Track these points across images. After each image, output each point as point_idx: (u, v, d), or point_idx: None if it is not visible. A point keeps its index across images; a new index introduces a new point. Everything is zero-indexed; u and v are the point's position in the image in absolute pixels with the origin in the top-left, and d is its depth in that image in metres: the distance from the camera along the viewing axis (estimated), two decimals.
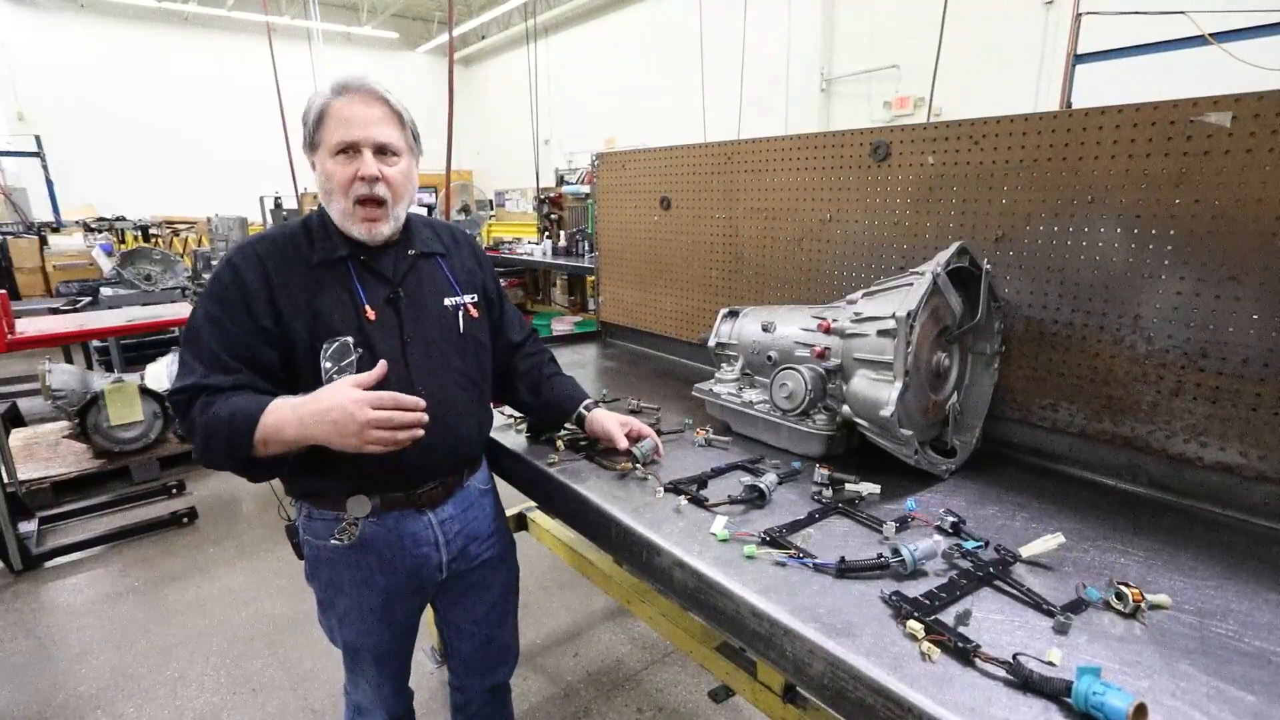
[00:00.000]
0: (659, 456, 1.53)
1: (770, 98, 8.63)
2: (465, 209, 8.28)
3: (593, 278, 4.72)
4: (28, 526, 3.49)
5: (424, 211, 7.38)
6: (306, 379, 1.27)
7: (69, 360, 4.93)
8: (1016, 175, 1.52)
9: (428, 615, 1.98)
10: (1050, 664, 0.85)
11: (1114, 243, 1.39)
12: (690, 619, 1.70)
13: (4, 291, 3.44)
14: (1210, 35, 4.21)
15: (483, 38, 14.51)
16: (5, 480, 3.29)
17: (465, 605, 1.59)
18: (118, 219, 8.36)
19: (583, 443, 1.63)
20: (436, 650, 2.58)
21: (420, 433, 1.23)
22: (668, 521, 1.27)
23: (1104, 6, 4.69)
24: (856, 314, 1.41)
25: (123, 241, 8.03)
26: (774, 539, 1.16)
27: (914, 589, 1.02)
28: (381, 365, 1.22)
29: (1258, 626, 0.96)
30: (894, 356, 1.30)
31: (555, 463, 1.55)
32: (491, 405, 1.60)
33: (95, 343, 5.39)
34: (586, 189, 7.08)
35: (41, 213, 9.71)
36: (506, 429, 1.77)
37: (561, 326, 7.17)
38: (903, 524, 1.22)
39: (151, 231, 8.41)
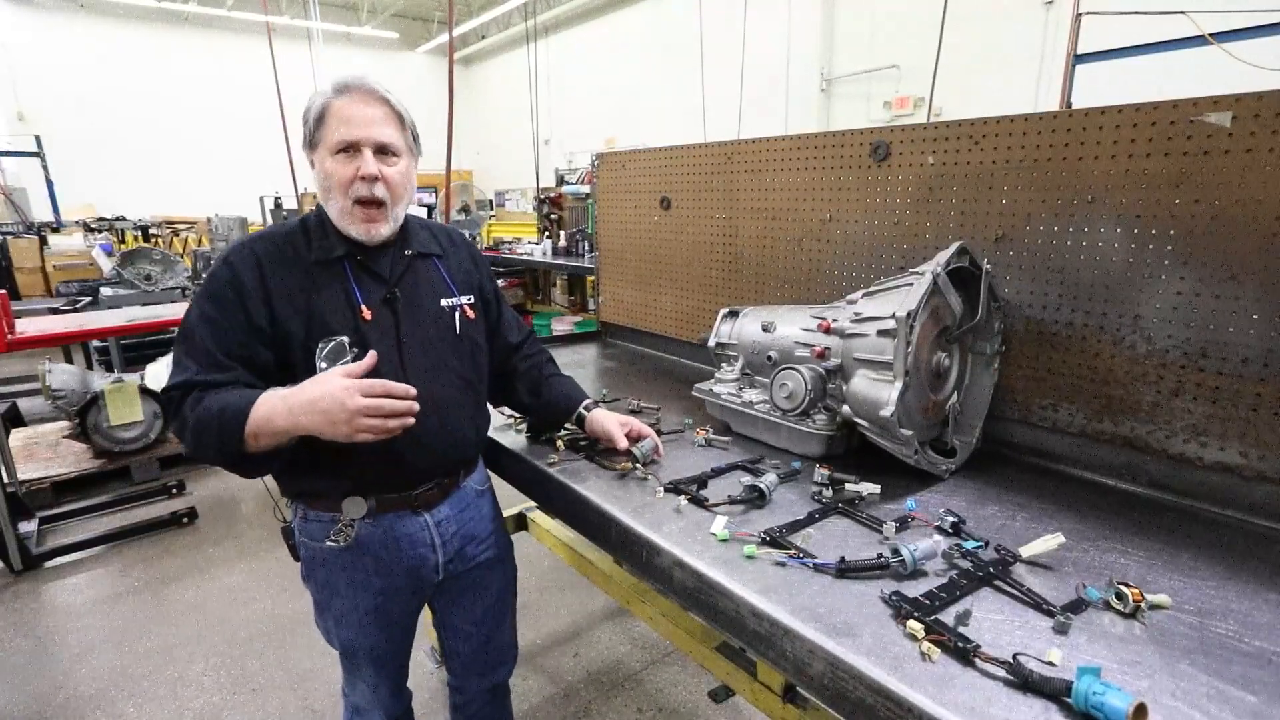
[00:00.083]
0: (659, 456, 1.53)
1: (770, 98, 8.63)
2: (465, 209, 8.28)
3: (593, 278, 4.72)
4: (28, 526, 3.49)
5: (424, 211, 7.39)
6: (302, 379, 1.26)
7: (69, 360, 4.93)
8: (1016, 175, 1.52)
9: (427, 616, 1.98)
10: (1050, 664, 0.85)
11: (1114, 243, 1.39)
12: (690, 619, 1.70)
13: (4, 291, 3.43)
14: (1210, 35, 4.21)
15: (483, 38, 14.52)
16: (5, 480, 3.29)
17: (463, 606, 1.59)
18: (118, 219, 8.36)
19: (583, 443, 1.63)
20: (436, 651, 2.58)
21: (411, 421, 1.22)
22: (668, 521, 1.26)
23: (1104, 6, 4.69)
24: (856, 314, 1.41)
25: (123, 241, 8.03)
26: (774, 539, 1.16)
27: (914, 589, 1.02)
28: (371, 355, 1.21)
29: (1258, 626, 0.95)
30: (894, 356, 1.30)
31: (555, 463, 1.55)
32: (489, 406, 1.60)
33: (95, 343, 5.39)
34: (586, 189, 7.07)
35: (41, 213, 9.71)
36: (506, 429, 1.77)
37: (561, 326, 7.17)
38: (903, 524, 1.22)
39: (151, 231, 8.41)
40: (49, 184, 9.65)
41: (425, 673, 2.54)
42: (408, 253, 1.40)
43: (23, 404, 4.90)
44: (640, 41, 11.02)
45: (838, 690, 0.89)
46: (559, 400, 1.63)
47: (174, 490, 4.04)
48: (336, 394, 1.14)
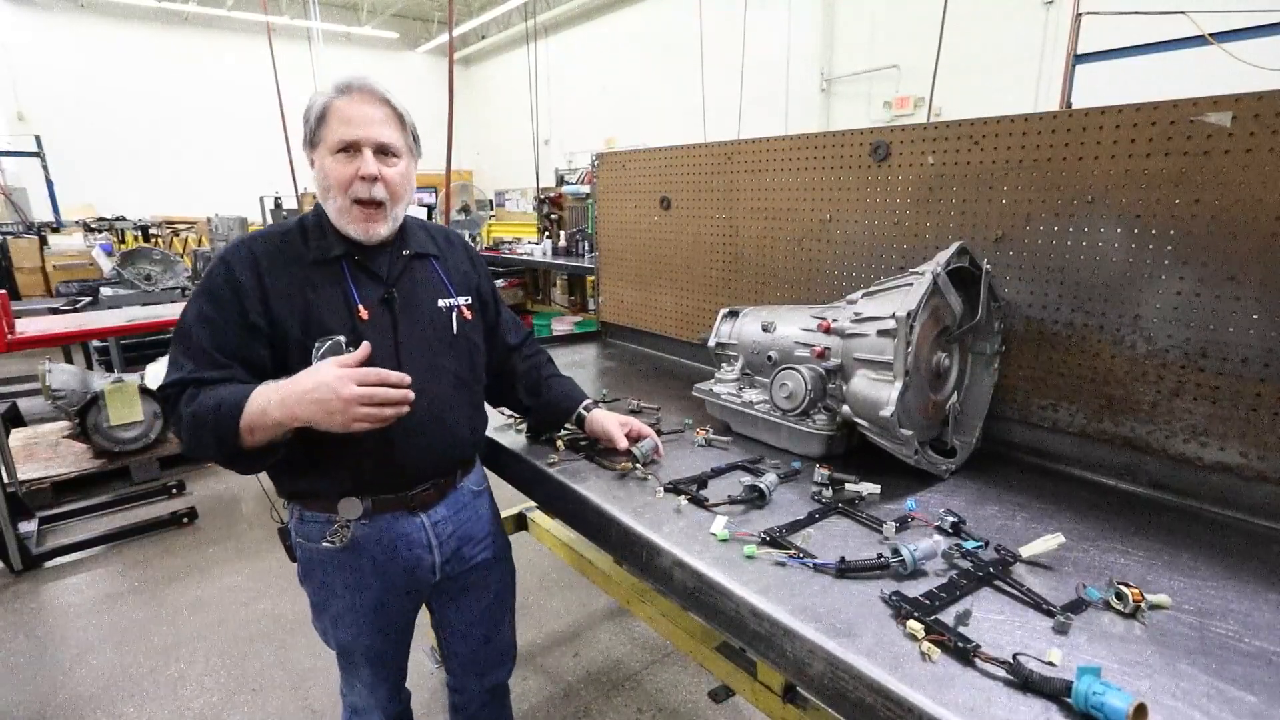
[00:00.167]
0: (659, 456, 1.53)
1: (770, 98, 8.63)
2: (465, 209, 8.28)
3: (593, 278, 4.72)
4: (28, 526, 3.49)
5: (423, 212, 7.40)
6: None
7: (69, 360, 4.93)
8: (1016, 175, 1.52)
9: (426, 616, 1.97)
10: (1050, 664, 0.85)
11: (1114, 243, 1.39)
12: (690, 619, 1.70)
13: (4, 291, 3.43)
14: (1210, 35, 4.21)
15: (483, 38, 14.52)
16: (5, 480, 3.29)
17: (461, 606, 1.58)
18: (118, 219, 8.36)
19: (582, 443, 1.63)
20: (435, 651, 2.58)
21: (406, 409, 1.22)
22: (668, 521, 1.26)
23: (1104, 6, 4.69)
24: (856, 314, 1.41)
25: (123, 241, 8.03)
26: (774, 539, 1.16)
27: (914, 589, 1.02)
28: (365, 347, 1.20)
29: (1258, 626, 0.95)
30: (894, 356, 1.30)
31: (555, 463, 1.55)
32: (487, 406, 1.60)
33: (95, 343, 5.38)
34: (586, 189, 7.07)
35: (41, 213, 9.71)
36: (506, 429, 1.77)
37: (561, 326, 7.16)
38: (903, 524, 1.22)
39: (151, 231, 8.41)
40: (49, 184, 9.65)
41: (425, 673, 2.54)
42: (405, 253, 1.40)
43: (23, 404, 4.90)
44: (640, 41, 11.02)
45: (838, 690, 0.89)
46: (559, 400, 1.63)
47: (174, 490, 4.04)
48: (331, 383, 1.14)
